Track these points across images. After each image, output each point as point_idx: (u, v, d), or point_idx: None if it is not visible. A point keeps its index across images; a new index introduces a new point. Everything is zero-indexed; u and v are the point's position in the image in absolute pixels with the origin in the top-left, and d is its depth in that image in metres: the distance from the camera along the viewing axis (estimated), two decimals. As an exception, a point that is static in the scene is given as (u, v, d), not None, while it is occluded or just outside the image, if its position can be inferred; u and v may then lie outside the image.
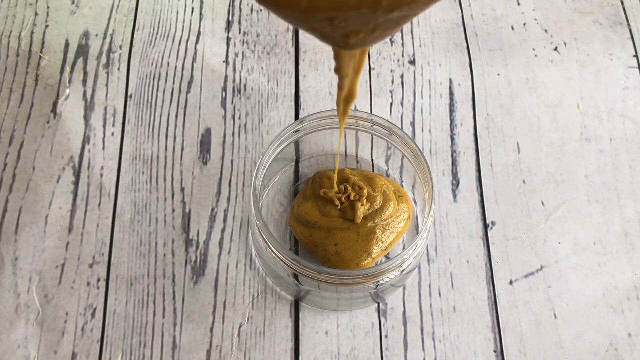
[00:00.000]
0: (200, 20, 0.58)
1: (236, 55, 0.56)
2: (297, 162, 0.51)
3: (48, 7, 0.58)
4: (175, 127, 0.53)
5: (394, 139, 0.47)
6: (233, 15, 0.58)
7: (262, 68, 0.56)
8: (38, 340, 0.46)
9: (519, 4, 0.59)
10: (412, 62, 0.56)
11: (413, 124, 0.54)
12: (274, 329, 0.47)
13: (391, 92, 0.55)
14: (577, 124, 0.54)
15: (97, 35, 0.57)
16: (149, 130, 0.53)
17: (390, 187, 0.46)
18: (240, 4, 0.59)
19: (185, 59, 0.56)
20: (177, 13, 0.58)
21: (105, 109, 0.54)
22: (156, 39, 0.57)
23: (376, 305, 0.47)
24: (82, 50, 0.56)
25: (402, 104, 0.55)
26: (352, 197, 0.45)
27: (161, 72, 0.55)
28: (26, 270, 0.48)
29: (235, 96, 0.54)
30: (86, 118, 0.53)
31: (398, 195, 0.47)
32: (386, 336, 0.47)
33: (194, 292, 0.47)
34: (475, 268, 0.49)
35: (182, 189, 0.51)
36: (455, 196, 0.51)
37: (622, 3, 0.60)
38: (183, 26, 0.57)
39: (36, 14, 0.58)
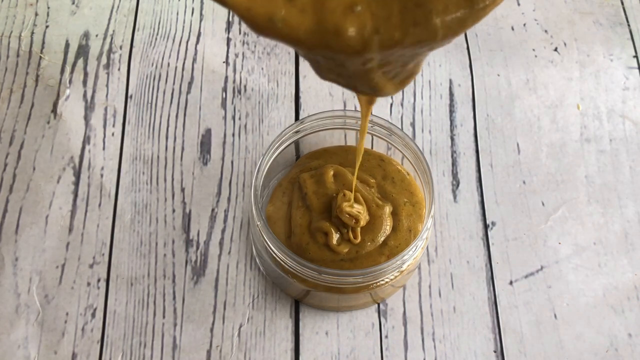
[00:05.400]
0: (200, 21, 0.58)
1: (236, 55, 0.56)
2: (297, 162, 0.51)
3: (48, 7, 0.58)
4: (176, 127, 0.53)
5: (394, 139, 0.47)
6: (233, 15, 0.58)
7: (262, 68, 0.56)
8: (38, 340, 0.46)
9: (519, 4, 0.59)
10: (412, 63, 0.56)
11: (413, 125, 0.54)
12: (274, 329, 0.47)
13: (391, 92, 0.55)
14: (577, 124, 0.54)
15: (97, 36, 0.57)
16: (149, 130, 0.53)
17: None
18: (240, 4, 0.59)
19: (185, 59, 0.56)
20: (177, 13, 0.58)
21: (106, 109, 0.54)
22: (156, 39, 0.57)
23: (376, 305, 0.47)
24: (82, 51, 0.56)
25: (402, 105, 0.55)
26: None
27: (161, 72, 0.55)
28: (26, 270, 0.48)
29: (235, 96, 0.54)
30: (86, 118, 0.53)
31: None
32: (386, 336, 0.47)
33: (194, 292, 0.47)
34: (475, 268, 0.49)
35: (182, 189, 0.51)
36: (455, 196, 0.51)
37: (622, 3, 0.60)
38: (183, 26, 0.57)
39: (36, 14, 0.58)
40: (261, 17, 0.26)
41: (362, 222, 0.43)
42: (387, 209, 0.45)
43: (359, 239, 0.44)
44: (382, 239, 0.44)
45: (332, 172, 0.46)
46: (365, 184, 0.46)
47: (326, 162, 0.48)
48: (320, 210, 0.45)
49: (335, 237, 0.44)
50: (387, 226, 0.45)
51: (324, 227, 0.44)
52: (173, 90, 0.55)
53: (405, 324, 0.47)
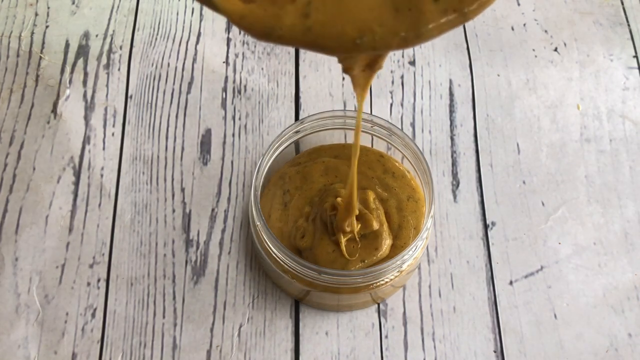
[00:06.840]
0: (200, 21, 0.58)
1: (236, 55, 0.56)
2: (297, 162, 0.51)
3: (48, 7, 0.58)
4: (176, 127, 0.53)
5: (394, 140, 0.47)
6: (233, 15, 0.58)
7: (262, 69, 0.56)
8: (38, 340, 0.46)
9: (519, 4, 0.59)
10: (412, 63, 0.56)
11: (413, 125, 0.54)
12: (274, 329, 0.47)
13: (391, 92, 0.55)
14: (576, 125, 0.54)
15: (97, 36, 0.57)
16: (149, 130, 0.53)
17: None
18: (240, 5, 0.59)
19: (185, 59, 0.56)
20: (177, 13, 0.58)
21: (106, 109, 0.54)
22: (156, 39, 0.57)
23: (376, 305, 0.47)
24: (82, 51, 0.56)
25: (402, 105, 0.55)
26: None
27: (161, 72, 0.55)
28: (26, 270, 0.48)
29: (235, 97, 0.54)
30: (86, 118, 0.53)
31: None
32: (386, 336, 0.47)
33: (194, 292, 0.47)
34: (475, 268, 0.49)
35: (182, 189, 0.51)
36: (455, 196, 0.51)
37: (622, 3, 0.60)
38: (183, 26, 0.57)
39: (36, 14, 0.58)
40: (258, 28, 0.27)
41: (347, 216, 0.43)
42: (393, 202, 0.45)
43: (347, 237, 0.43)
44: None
45: (322, 167, 0.46)
46: (364, 175, 0.46)
47: (319, 157, 0.48)
48: (298, 209, 0.45)
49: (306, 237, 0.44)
50: (394, 223, 0.45)
51: (302, 227, 0.44)
52: (173, 90, 0.55)
53: (405, 324, 0.47)
